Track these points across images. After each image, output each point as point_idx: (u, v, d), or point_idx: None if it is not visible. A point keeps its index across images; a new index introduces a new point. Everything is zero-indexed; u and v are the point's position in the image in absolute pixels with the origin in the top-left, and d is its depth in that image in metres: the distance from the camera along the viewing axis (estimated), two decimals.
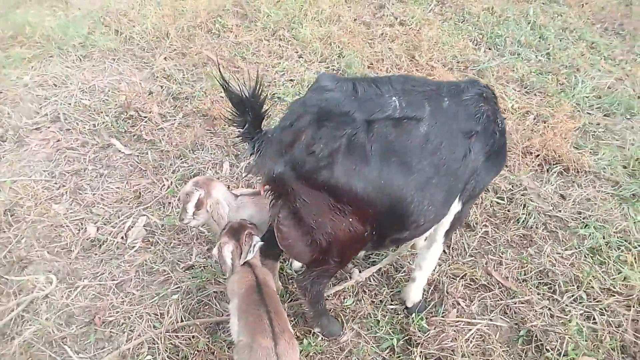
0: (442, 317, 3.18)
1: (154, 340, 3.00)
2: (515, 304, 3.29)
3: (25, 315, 3.13)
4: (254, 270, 2.69)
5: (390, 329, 3.10)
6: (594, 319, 3.20)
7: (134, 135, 4.62)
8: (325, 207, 2.36)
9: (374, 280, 3.41)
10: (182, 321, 3.08)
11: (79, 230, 3.71)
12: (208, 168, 4.28)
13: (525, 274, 3.48)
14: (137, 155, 4.41)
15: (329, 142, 2.20)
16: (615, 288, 3.35)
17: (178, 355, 2.91)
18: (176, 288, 3.32)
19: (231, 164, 4.37)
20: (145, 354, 2.92)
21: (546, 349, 3.02)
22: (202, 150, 4.47)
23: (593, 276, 3.42)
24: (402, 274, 3.45)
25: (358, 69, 5.39)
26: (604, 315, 3.21)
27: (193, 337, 2.98)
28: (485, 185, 2.79)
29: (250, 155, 2.27)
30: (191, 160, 4.35)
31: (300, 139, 2.21)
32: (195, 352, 2.92)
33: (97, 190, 4.06)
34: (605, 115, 5.16)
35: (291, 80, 5.38)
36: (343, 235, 2.44)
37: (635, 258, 3.53)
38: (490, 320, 3.19)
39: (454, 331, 3.09)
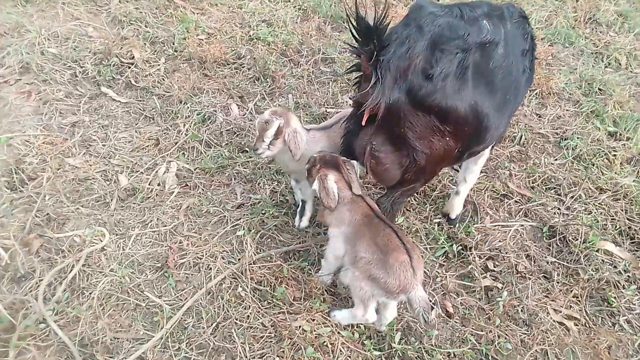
0: (482, 224, 3.57)
1: (235, 274, 3.03)
2: (533, 207, 3.78)
3: (87, 270, 2.98)
4: (364, 198, 2.80)
5: (441, 238, 3.43)
6: (594, 210, 3.78)
7: (123, 83, 4.34)
8: (429, 129, 2.53)
9: (415, 199, 3.69)
10: (257, 254, 3.13)
11: (109, 181, 3.52)
12: (218, 111, 4.19)
13: (533, 182, 3.98)
14: (137, 103, 4.18)
15: (445, 65, 2.36)
16: (605, 186, 3.97)
17: (264, 284, 2.99)
18: (234, 226, 3.34)
19: (238, 105, 4.32)
20: (232, 288, 2.95)
21: (568, 240, 3.55)
22: (203, 94, 4.35)
23: (588, 178, 4.01)
24: (438, 192, 3.77)
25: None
26: (603, 207, 3.80)
27: (277, 265, 3.06)
28: (523, 99, 3.12)
29: (374, 83, 2.34)
30: (196, 105, 4.22)
31: (416, 64, 2.34)
32: (281, 278, 3.01)
33: (107, 141, 3.83)
34: (550, 45, 5.79)
35: (264, 21, 5.31)
36: (439, 154, 2.64)
37: (613, 161, 4.18)
38: (519, 223, 3.64)
39: (496, 234, 3.50)
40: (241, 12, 5.42)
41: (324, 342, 2.72)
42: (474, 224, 3.56)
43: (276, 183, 3.66)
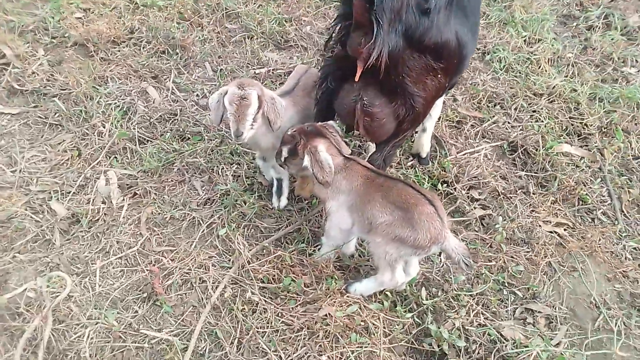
0: (452, 157, 3.52)
1: (235, 279, 2.69)
2: (488, 127, 3.80)
3: (61, 328, 2.45)
4: (357, 160, 2.56)
5: (424, 181, 3.32)
6: (540, 117, 3.90)
7: (4, 90, 3.55)
8: (424, 70, 2.34)
9: None
10: (249, 250, 2.79)
11: (40, 213, 2.89)
12: (136, 99, 3.61)
13: (479, 102, 3.99)
14: (33, 111, 3.45)
15: None
16: (541, 91, 4.10)
17: (269, 280, 2.69)
18: (209, 227, 2.94)
19: (155, 87, 3.75)
20: (238, 295, 2.62)
21: (530, 151, 3.64)
22: (110, 82, 3.71)
23: (524, 86, 4.11)
24: None
25: None
26: (545, 112, 3.94)
27: (276, 256, 2.75)
28: None
29: (374, 34, 2.06)
30: (107, 97, 3.60)
31: (409, 1, 2.09)
32: (284, 268, 2.73)
33: (16, 165, 3.13)
34: None
35: None
36: (432, 94, 2.47)
37: (538, 65, 4.32)
38: (483, 147, 3.65)
39: (470, 162, 3.48)
40: None
41: (358, 322, 2.53)
42: (444, 158, 3.49)
43: (236, 166, 3.27)
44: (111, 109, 3.49)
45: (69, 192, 3.01)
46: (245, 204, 3.02)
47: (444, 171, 3.40)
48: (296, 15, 4.57)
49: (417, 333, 2.60)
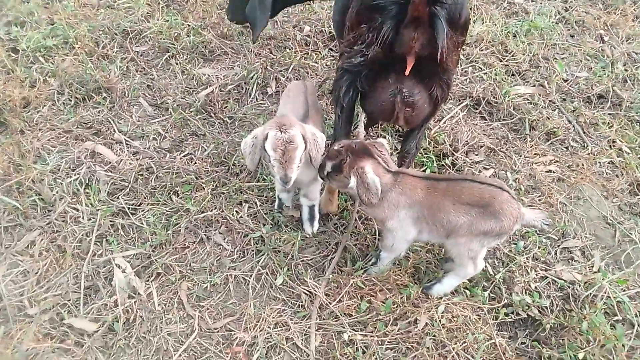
0: (436, 126, 3.57)
1: (320, 326, 2.49)
2: None
3: None
4: (405, 172, 2.45)
5: (423, 159, 3.34)
6: (481, 67, 4.11)
7: None
8: (455, 46, 2.30)
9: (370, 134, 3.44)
10: (316, 288, 2.59)
11: (64, 339, 2.35)
12: (91, 165, 3.05)
13: None
14: None
15: None
16: (469, 40, 4.30)
17: (353, 312, 2.54)
18: (259, 279, 2.66)
19: (103, 144, 3.21)
20: (332, 342, 2.44)
21: (493, 102, 3.83)
22: (47, 155, 3.08)
23: None
24: None
25: None
26: (482, 60, 4.15)
27: (352, 285, 2.59)
28: None
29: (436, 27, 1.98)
30: (54, 173, 2.99)
31: None
32: (362, 294, 2.59)
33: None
34: None
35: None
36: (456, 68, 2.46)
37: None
38: (454, 109, 3.76)
39: (456, 128, 3.56)
40: None
41: (457, 321, 2.52)
42: (431, 130, 3.54)
43: (247, 205, 2.96)
44: (72, 185, 2.90)
45: (77, 301, 2.48)
46: (282, 243, 2.77)
47: (438, 144, 3.44)
48: (212, 22, 4.17)
49: (502, 307, 2.65)
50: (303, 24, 4.37)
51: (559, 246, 3.02)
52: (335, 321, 2.49)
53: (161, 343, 2.38)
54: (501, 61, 4.14)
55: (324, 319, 2.50)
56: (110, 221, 2.80)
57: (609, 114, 3.91)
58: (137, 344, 2.37)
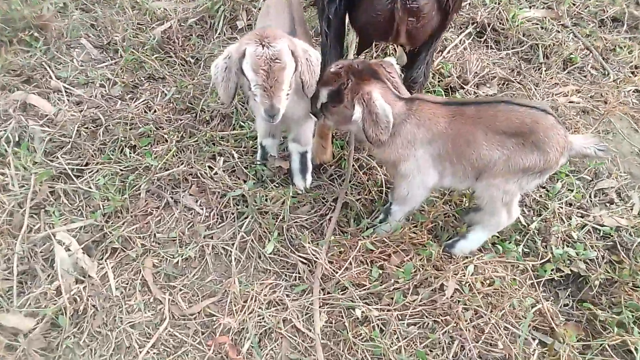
0: (443, 55, 3.04)
1: (325, 301, 1.99)
2: None
3: None
4: (421, 97, 1.94)
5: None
6: None
7: None
8: None
9: None
10: (318, 254, 2.08)
11: None
12: (24, 119, 2.43)
13: None
14: None
15: None
16: None
17: (364, 282, 2.04)
18: (244, 249, 2.13)
19: (38, 93, 2.58)
20: (342, 321, 1.94)
21: (499, 29, 3.31)
22: None
23: None
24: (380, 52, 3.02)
25: None
26: None
27: (360, 248, 2.09)
28: None
29: None
30: None
31: None
32: (368, 257, 2.09)
33: None
34: None
35: None
36: None
37: None
38: (459, 37, 3.22)
39: (464, 57, 3.04)
40: None
41: (491, 282, 2.05)
42: (434, 62, 3.00)
43: (222, 158, 2.40)
44: None
45: (9, 291, 1.91)
46: (269, 202, 2.22)
47: (443, 77, 2.91)
48: None
49: (540, 263, 2.20)
50: None
51: (592, 188, 2.57)
52: (343, 294, 1.99)
53: (122, 338, 1.84)
54: None
55: (328, 293, 2.00)
56: (49, 187, 2.21)
57: (627, 38, 3.43)
58: (91, 342, 1.83)
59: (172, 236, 2.13)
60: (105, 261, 2.02)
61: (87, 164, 2.32)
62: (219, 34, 3.03)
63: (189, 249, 2.08)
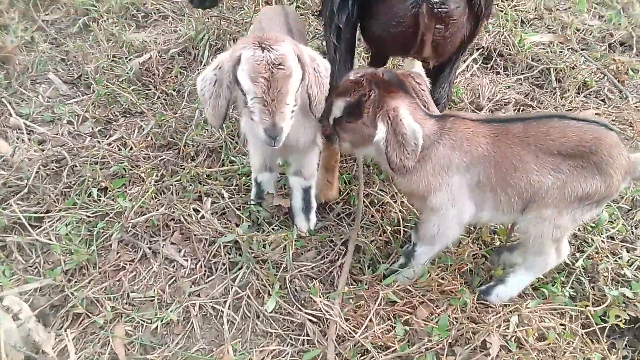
0: None
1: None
2: None
3: None
4: (456, 115, 1.64)
5: None
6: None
7: None
8: None
9: None
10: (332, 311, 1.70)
11: None
12: None
13: None
14: None
15: None
16: None
17: (393, 341, 1.66)
18: (237, 308, 1.74)
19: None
20: None
21: (503, 53, 3.09)
22: None
23: None
24: None
25: None
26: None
27: (381, 301, 1.71)
28: None
29: None
30: None
31: None
32: (390, 310, 1.72)
33: None
34: None
35: None
36: None
37: None
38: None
39: (469, 83, 2.78)
40: None
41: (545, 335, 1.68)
42: None
43: (210, 199, 2.04)
44: None
45: None
46: (268, 248, 1.85)
47: (454, 103, 2.64)
48: None
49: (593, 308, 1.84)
50: None
51: (632, 218, 2.25)
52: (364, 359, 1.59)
53: None
54: (506, 9, 3.41)
55: (346, 359, 1.60)
56: None
57: (638, 61, 3.23)
58: None
59: (149, 295, 1.73)
60: (65, 331, 1.61)
61: (47, 211, 1.94)
62: (204, 64, 2.74)
63: (171, 311, 1.68)
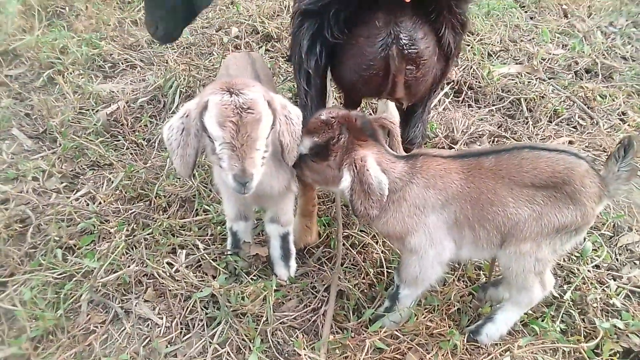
0: None
1: None
2: None
3: None
4: (424, 153, 1.61)
5: None
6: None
7: None
8: None
9: None
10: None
11: None
12: None
13: None
14: None
15: None
16: None
17: None
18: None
19: None
20: None
21: (476, 88, 3.13)
22: None
23: None
24: None
25: None
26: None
27: (357, 344, 1.63)
28: None
29: None
30: None
31: None
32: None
33: None
34: None
35: None
36: None
37: None
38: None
39: (443, 117, 2.78)
40: None
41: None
42: None
43: (184, 251, 1.96)
44: None
45: None
46: (248, 300, 1.77)
47: (429, 138, 2.63)
48: (111, 33, 3.22)
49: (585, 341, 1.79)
50: (229, 27, 3.53)
51: (615, 245, 2.24)
52: None
53: None
54: (472, 43, 3.47)
55: None
56: None
57: (606, 86, 3.30)
58: None
59: (122, 359, 1.62)
60: None
61: (11, 275, 1.83)
62: (174, 112, 2.69)
63: None
